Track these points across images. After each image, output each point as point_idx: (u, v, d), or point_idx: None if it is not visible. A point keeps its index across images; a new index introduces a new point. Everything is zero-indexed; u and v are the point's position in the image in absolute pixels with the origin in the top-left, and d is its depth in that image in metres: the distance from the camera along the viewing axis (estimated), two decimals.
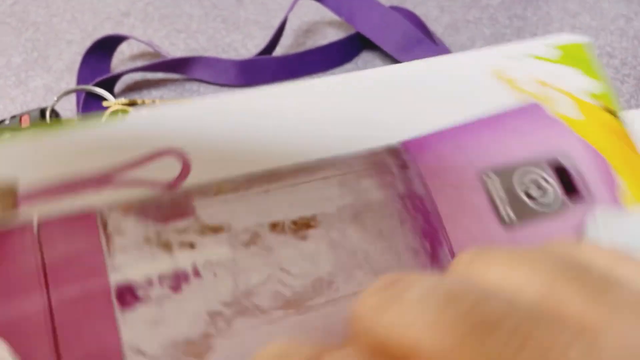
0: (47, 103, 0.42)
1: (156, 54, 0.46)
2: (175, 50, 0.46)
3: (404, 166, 0.20)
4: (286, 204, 0.18)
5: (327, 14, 0.49)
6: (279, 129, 0.19)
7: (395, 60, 0.45)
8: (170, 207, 0.17)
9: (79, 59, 0.45)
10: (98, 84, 0.40)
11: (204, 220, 0.17)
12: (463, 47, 0.47)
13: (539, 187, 0.21)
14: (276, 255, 0.18)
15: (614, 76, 0.45)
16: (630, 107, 0.42)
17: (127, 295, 0.16)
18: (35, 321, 0.15)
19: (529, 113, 0.22)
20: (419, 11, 0.50)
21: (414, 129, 0.20)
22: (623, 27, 0.49)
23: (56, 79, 0.44)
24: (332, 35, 0.48)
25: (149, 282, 0.16)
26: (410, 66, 0.21)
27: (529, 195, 0.21)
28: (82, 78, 0.41)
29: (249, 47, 0.47)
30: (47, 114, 0.37)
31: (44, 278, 0.16)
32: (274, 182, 0.19)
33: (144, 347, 0.16)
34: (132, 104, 0.39)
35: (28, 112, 0.38)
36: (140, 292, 0.16)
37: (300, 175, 0.19)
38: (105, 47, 0.43)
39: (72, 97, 0.41)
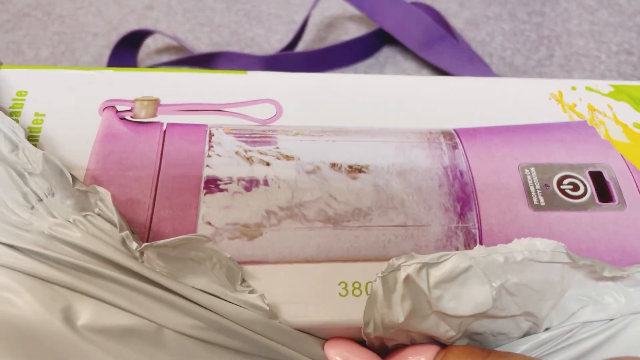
0: None
1: (181, 47, 0.46)
2: (199, 44, 0.47)
3: (453, 146, 0.24)
4: (347, 153, 0.24)
5: (349, 9, 0.50)
6: (352, 105, 0.25)
7: (416, 56, 0.45)
8: (259, 135, 0.24)
9: (105, 52, 0.46)
10: None
11: (281, 150, 0.23)
12: (482, 43, 0.48)
13: (574, 186, 0.22)
14: (329, 185, 0.23)
15: (632, 73, 0.45)
16: None
17: (212, 184, 0.22)
18: (144, 183, 0.22)
19: (577, 129, 0.24)
20: (438, 6, 0.51)
21: (470, 124, 0.24)
22: None
23: None
24: (354, 30, 0.49)
25: (230, 180, 0.22)
26: (481, 81, 0.26)
27: (562, 191, 0.22)
28: None
29: (271, 41, 0.47)
30: None
31: (160, 157, 0.22)
32: (341, 135, 0.24)
33: (213, 221, 0.21)
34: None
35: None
36: (221, 185, 0.22)
37: (365, 135, 0.24)
38: (131, 41, 0.44)
39: None
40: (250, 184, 0.22)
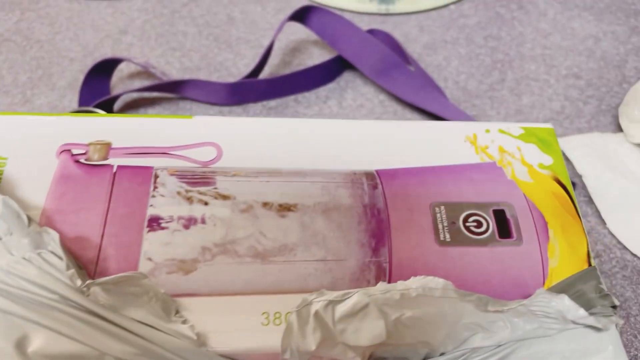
0: None
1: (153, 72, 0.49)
2: (170, 69, 0.50)
3: (374, 186, 0.26)
4: (279, 192, 0.26)
5: (313, 34, 0.53)
6: (287, 147, 0.28)
7: (373, 82, 0.48)
8: (200, 177, 0.26)
9: (80, 76, 0.49)
10: (98, 104, 0.43)
11: (219, 190, 0.26)
12: (439, 67, 0.50)
13: (478, 224, 0.25)
14: (260, 222, 0.25)
15: (578, 97, 0.48)
16: (590, 129, 0.46)
17: (155, 223, 0.25)
18: (94, 223, 0.24)
19: (486, 169, 0.26)
20: (400, 30, 0.54)
21: (391, 164, 0.27)
22: (591, 48, 0.52)
23: (60, 96, 0.47)
24: (317, 54, 0.51)
25: (171, 218, 0.25)
26: (404, 124, 0.29)
27: (467, 229, 0.25)
28: (83, 98, 0.45)
29: (239, 66, 0.50)
30: None
31: (109, 197, 0.25)
32: (275, 176, 0.27)
33: (153, 257, 0.24)
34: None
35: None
36: (163, 223, 0.25)
37: (296, 176, 0.27)
38: (104, 68, 0.46)
39: None
40: (189, 222, 0.25)
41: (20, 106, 0.46)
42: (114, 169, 0.26)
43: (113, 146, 0.27)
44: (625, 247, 0.38)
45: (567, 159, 0.43)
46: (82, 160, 0.26)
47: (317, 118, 0.45)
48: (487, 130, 0.28)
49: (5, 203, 0.23)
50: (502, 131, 0.28)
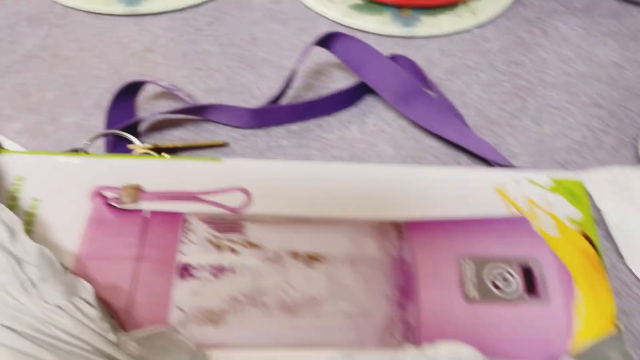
0: (78, 141, 0.46)
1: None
2: (194, 89, 0.50)
3: (401, 238, 0.26)
4: (307, 241, 0.26)
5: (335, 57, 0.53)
6: (316, 192, 0.28)
7: (395, 108, 0.48)
8: (229, 223, 0.26)
9: (107, 95, 0.49)
10: (124, 127, 0.44)
11: (248, 237, 0.26)
12: (460, 93, 0.50)
13: (505, 279, 0.25)
14: (288, 273, 0.25)
15: (599, 127, 0.48)
16: (611, 161, 0.46)
17: (184, 271, 0.25)
18: (125, 270, 0.25)
19: (514, 223, 0.27)
20: (422, 54, 0.54)
21: (420, 214, 0.27)
22: (614, 76, 0.52)
23: (86, 115, 0.48)
24: (340, 76, 0.52)
25: (201, 267, 0.25)
26: (433, 170, 0.29)
27: (494, 284, 0.25)
28: (110, 119, 0.46)
29: (262, 88, 0.50)
30: None
31: (140, 244, 0.25)
32: (303, 224, 0.27)
33: (183, 307, 0.24)
34: (155, 148, 0.44)
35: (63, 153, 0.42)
36: (192, 271, 0.25)
37: (324, 225, 0.27)
38: (131, 89, 0.47)
39: (101, 138, 0.46)
40: (218, 271, 0.26)
41: (48, 125, 0.47)
42: (145, 214, 0.27)
43: (144, 190, 0.28)
44: None
45: (586, 192, 0.43)
46: (114, 204, 0.27)
47: (338, 144, 0.46)
48: (516, 180, 0.28)
49: (41, 252, 0.24)
50: (531, 181, 0.28)
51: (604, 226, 0.42)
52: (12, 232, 0.25)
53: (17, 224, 0.25)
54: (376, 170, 0.28)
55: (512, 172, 0.28)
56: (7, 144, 0.29)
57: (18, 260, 0.24)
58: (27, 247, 0.24)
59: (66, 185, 0.27)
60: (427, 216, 0.27)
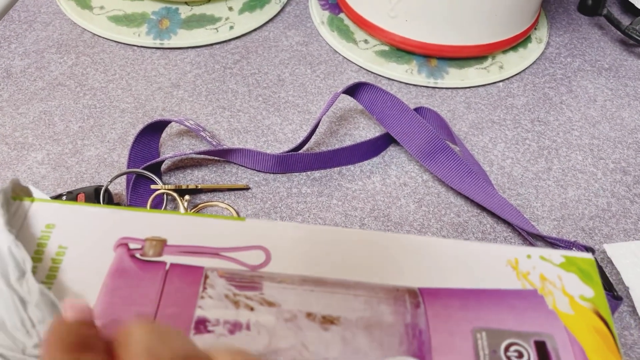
0: (99, 175, 0.46)
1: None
2: (219, 128, 0.50)
3: (416, 305, 0.26)
4: (322, 303, 0.26)
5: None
6: (333, 255, 0.28)
7: (418, 162, 0.48)
8: (248, 280, 0.26)
9: (130, 129, 0.49)
10: (147, 166, 0.44)
11: (265, 296, 0.26)
12: (485, 149, 0.50)
13: (519, 354, 0.25)
14: (303, 334, 0.25)
15: (625, 194, 0.47)
16: (636, 231, 0.45)
17: (201, 325, 0.25)
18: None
19: (527, 297, 0.26)
20: (447, 105, 0.54)
21: (433, 281, 0.27)
22: None
23: (109, 149, 0.48)
24: (364, 123, 0.52)
25: (217, 322, 0.25)
26: (447, 243, 0.29)
27: (508, 357, 0.25)
28: (133, 155, 0.46)
29: (286, 131, 0.50)
30: (102, 193, 0.42)
31: (160, 296, 0.25)
32: (319, 286, 0.27)
33: None
34: (177, 189, 0.44)
35: (83, 190, 0.42)
36: (209, 326, 0.25)
37: (340, 287, 0.27)
38: (156, 126, 0.47)
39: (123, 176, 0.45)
40: (234, 327, 0.25)
41: (70, 157, 0.47)
42: (167, 267, 0.27)
43: (168, 243, 0.27)
44: None
45: (613, 265, 0.42)
46: (138, 256, 0.27)
47: (360, 195, 0.45)
48: (529, 256, 0.28)
49: (42, 292, 0.24)
50: (543, 258, 0.28)
51: (630, 301, 0.41)
52: (21, 272, 0.24)
53: (28, 263, 0.25)
54: (391, 238, 0.28)
55: (524, 249, 0.28)
56: (37, 193, 0.29)
57: (23, 301, 0.24)
58: (31, 287, 0.24)
59: (93, 234, 0.27)
60: (440, 285, 0.27)
